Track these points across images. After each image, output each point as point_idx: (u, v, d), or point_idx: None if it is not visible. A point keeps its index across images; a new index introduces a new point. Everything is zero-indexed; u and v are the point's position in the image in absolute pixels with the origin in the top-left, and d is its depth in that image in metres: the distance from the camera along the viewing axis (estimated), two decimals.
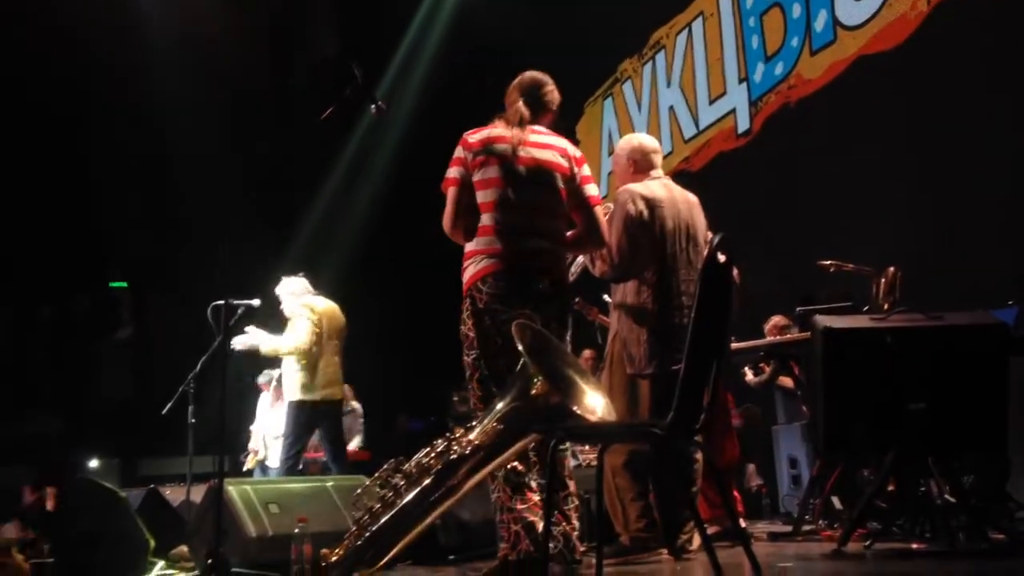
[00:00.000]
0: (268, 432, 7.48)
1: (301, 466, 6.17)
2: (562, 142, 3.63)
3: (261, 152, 9.02)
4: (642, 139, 4.25)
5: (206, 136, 8.57)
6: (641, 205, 3.91)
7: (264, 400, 7.68)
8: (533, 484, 3.33)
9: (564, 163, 3.57)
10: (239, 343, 5.88)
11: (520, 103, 3.58)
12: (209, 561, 3.41)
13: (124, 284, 10.25)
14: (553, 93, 3.67)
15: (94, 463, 8.20)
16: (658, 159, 4.17)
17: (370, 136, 9.14)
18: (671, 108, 8.56)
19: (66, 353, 9.86)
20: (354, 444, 7.89)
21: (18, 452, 8.94)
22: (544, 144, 3.57)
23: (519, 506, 3.28)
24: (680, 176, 7.78)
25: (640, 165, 4.11)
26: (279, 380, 6.94)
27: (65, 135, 9.30)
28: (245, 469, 7.46)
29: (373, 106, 4.27)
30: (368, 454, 8.05)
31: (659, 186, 4.04)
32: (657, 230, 3.91)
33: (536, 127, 3.59)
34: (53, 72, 8.77)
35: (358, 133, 9.02)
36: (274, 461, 7.02)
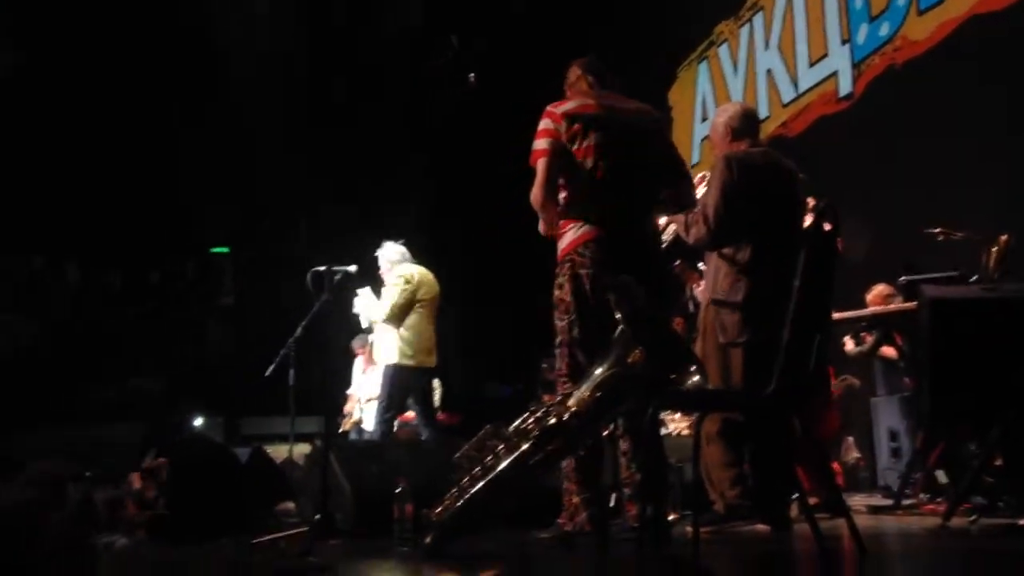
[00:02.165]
0: (363, 396, 7.68)
1: (395, 429, 6.33)
2: (647, 106, 3.67)
3: (359, 119, 9.15)
4: (741, 106, 4.21)
5: (303, 103, 8.75)
6: (739, 172, 3.86)
7: (358, 364, 7.88)
8: (597, 460, 3.39)
9: (655, 126, 3.61)
10: (357, 306, 6.06)
11: (591, 76, 3.66)
12: (317, 517, 3.54)
13: (226, 250, 10.61)
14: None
15: (199, 422, 8.57)
16: (757, 126, 4.11)
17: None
18: (769, 71, 8.35)
19: (172, 316, 10.27)
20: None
21: (125, 410, 9.41)
22: (633, 109, 3.62)
23: (580, 481, 3.35)
24: (778, 141, 7.62)
25: (738, 132, 4.05)
26: (373, 345, 7.10)
27: (168, 101, 9.60)
28: (341, 431, 7.68)
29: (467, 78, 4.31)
30: (457, 417, 8.20)
31: (758, 154, 3.98)
32: (754, 197, 3.85)
33: (616, 94, 3.65)
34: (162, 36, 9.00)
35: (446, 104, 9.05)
36: (369, 424, 7.21)
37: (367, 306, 6.13)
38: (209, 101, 9.48)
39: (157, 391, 9.59)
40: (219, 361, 9.76)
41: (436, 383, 7.26)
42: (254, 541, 3.54)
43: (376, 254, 6.22)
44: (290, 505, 4.47)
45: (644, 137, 3.60)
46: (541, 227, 3.66)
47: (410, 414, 6.72)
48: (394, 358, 6.01)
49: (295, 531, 3.60)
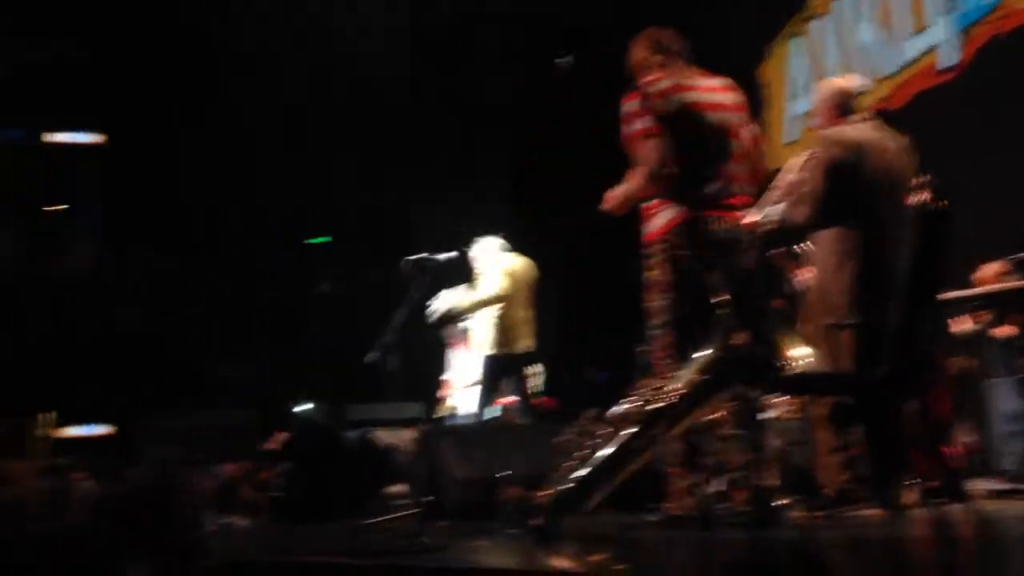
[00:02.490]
0: (459, 381, 7.79)
1: (494, 414, 6.41)
2: (729, 81, 3.65)
3: (461, 109, 9.24)
4: (844, 80, 4.11)
5: (403, 89, 8.87)
6: (843, 150, 3.79)
7: (455, 350, 8.00)
8: (704, 444, 3.38)
9: (740, 101, 3.60)
10: (436, 310, 6.15)
11: (659, 55, 3.66)
12: (425, 500, 3.63)
13: (324, 239, 10.87)
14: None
15: (308, 407, 8.83)
16: (863, 101, 4.02)
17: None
18: (866, 45, 8.10)
19: (278, 303, 10.61)
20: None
21: (234, 396, 9.77)
22: (720, 87, 3.61)
23: (687, 465, 3.35)
24: (876, 117, 7.39)
25: (843, 108, 3.96)
26: (468, 331, 7.20)
27: (268, 90, 9.86)
28: (437, 416, 7.81)
29: (563, 59, 4.33)
30: (555, 402, 8.24)
31: (865, 128, 3.89)
32: (861, 175, 3.77)
33: (696, 69, 3.63)
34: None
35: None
36: (465, 409, 7.32)
37: (452, 302, 6.20)
38: (303, 91, 9.70)
39: (263, 378, 9.92)
40: (321, 348, 10.03)
41: (538, 368, 7.35)
42: (366, 522, 3.66)
43: (472, 243, 6.31)
44: (399, 488, 4.59)
45: (734, 116, 3.59)
46: (610, 204, 3.65)
47: (507, 399, 6.80)
48: (492, 344, 6.09)
49: (405, 513, 3.71)
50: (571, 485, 3.25)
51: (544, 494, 3.28)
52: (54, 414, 9.60)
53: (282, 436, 5.74)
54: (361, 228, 10.09)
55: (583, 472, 3.22)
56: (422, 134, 8.97)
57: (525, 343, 6.18)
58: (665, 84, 3.54)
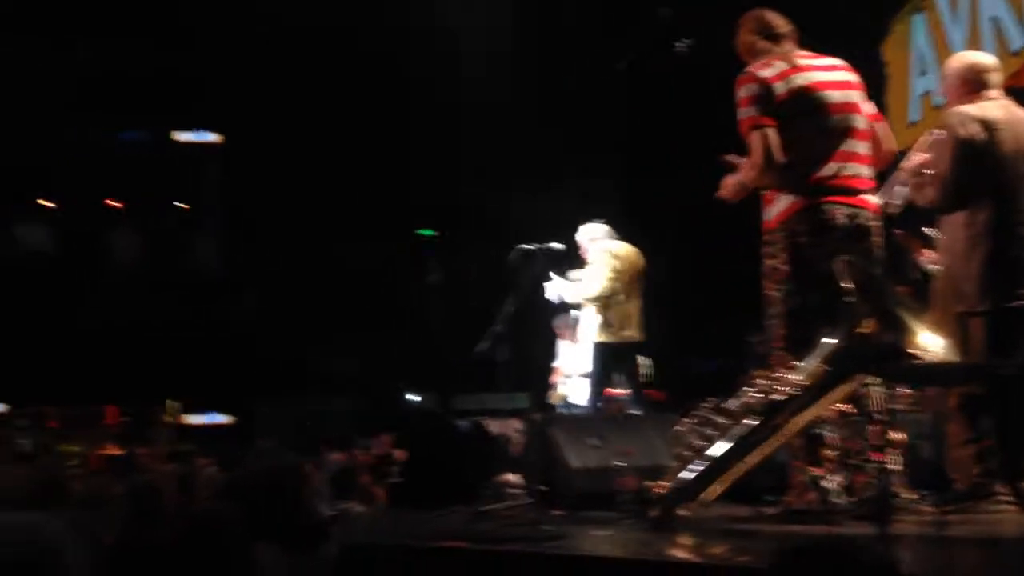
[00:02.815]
0: (569, 371, 7.79)
1: (604, 404, 6.39)
2: (842, 62, 3.54)
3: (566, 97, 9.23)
4: (975, 56, 3.93)
5: (509, 81, 8.91)
6: (975, 128, 3.61)
7: (564, 339, 7.99)
8: (826, 436, 3.28)
9: (856, 80, 3.49)
10: (551, 293, 6.15)
11: (763, 40, 3.56)
12: (541, 489, 3.65)
13: (433, 232, 11.05)
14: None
15: (416, 397, 9.01)
16: (995, 78, 3.81)
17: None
18: (994, 19, 7.69)
19: (387, 295, 10.85)
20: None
21: (347, 385, 10.04)
22: (834, 66, 3.51)
23: (808, 458, 3.26)
24: (1009, 94, 7.02)
25: (973, 85, 3.77)
26: (577, 321, 7.18)
27: (378, 85, 10.05)
28: (548, 406, 7.82)
29: (683, 44, 4.27)
30: (664, 393, 8.15)
31: (996, 107, 3.69)
32: (994, 155, 3.59)
33: (807, 51, 3.53)
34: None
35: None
36: (576, 399, 7.32)
37: (562, 288, 6.19)
38: (419, 85, 9.82)
39: (373, 368, 10.15)
40: (431, 339, 10.19)
41: (646, 361, 7.31)
42: (482, 509, 3.70)
43: (576, 236, 6.29)
44: (511, 477, 4.62)
45: (853, 97, 3.48)
46: (725, 192, 3.59)
47: (618, 389, 6.76)
48: (601, 334, 6.06)
49: (520, 501, 3.73)
50: (689, 476, 3.21)
51: (661, 485, 3.25)
52: (178, 403, 10.09)
53: (387, 438, 5.89)
54: (469, 219, 10.21)
55: (701, 463, 3.17)
56: (527, 121, 8.98)
57: (634, 332, 6.13)
58: (771, 71, 3.45)
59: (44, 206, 11.56)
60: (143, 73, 10.36)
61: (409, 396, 9.21)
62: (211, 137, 11.36)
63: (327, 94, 10.27)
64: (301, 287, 10.98)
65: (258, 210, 11.26)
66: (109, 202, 11.63)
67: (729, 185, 3.62)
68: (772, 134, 3.40)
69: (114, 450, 8.88)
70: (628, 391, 6.37)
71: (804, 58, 3.52)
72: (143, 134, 11.25)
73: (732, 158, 3.56)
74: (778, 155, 3.39)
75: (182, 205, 11.89)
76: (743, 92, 3.47)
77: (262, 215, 11.19)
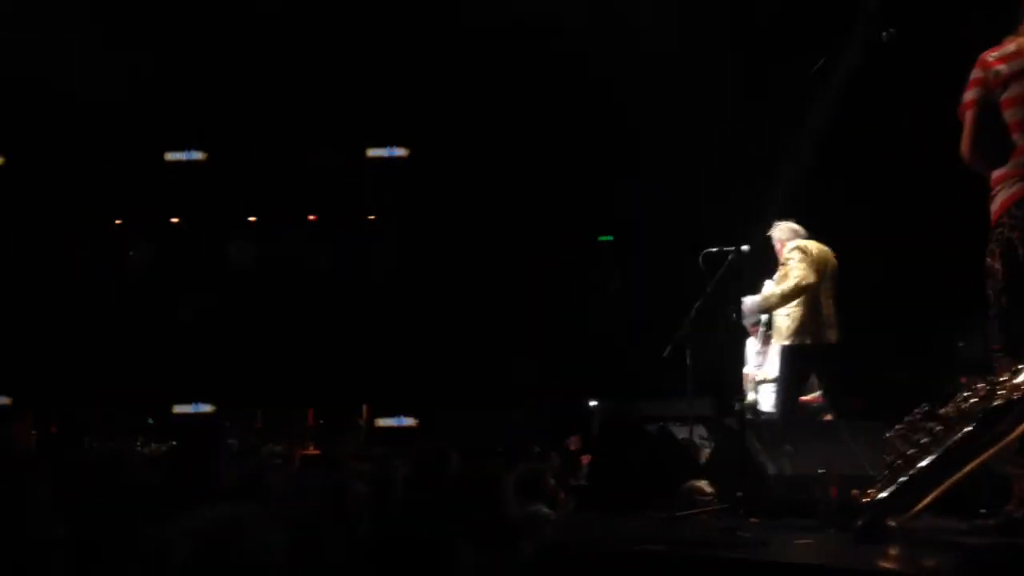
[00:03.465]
0: (757, 375, 7.55)
1: (797, 410, 6.14)
2: None
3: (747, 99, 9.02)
4: None
5: (691, 82, 8.80)
6: None
7: (752, 344, 7.75)
8: None
9: None
10: (748, 306, 5.98)
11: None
12: (738, 495, 3.55)
13: (610, 238, 11.04)
14: None
15: (601, 402, 9.01)
16: None
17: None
18: None
19: (562, 301, 10.93)
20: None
21: (530, 387, 10.18)
22: None
23: None
24: None
25: None
26: (767, 324, 6.96)
27: (555, 91, 10.16)
28: (739, 411, 7.59)
29: (887, 34, 4.07)
30: (861, 400, 7.78)
31: None
32: None
33: None
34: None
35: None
36: (765, 405, 7.08)
37: (756, 299, 6.02)
38: (599, 89, 9.85)
39: (555, 373, 10.24)
40: (611, 344, 10.18)
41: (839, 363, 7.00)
42: (676, 514, 3.64)
43: (768, 234, 6.10)
44: (701, 483, 4.52)
45: None
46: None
47: (812, 395, 6.50)
48: (792, 337, 5.84)
49: (715, 507, 3.64)
50: (899, 485, 3.03)
51: (868, 493, 3.08)
52: (366, 407, 10.57)
53: (576, 438, 5.90)
54: (654, 221, 10.13)
55: (913, 471, 2.99)
56: (715, 118, 8.83)
57: (829, 334, 5.86)
58: (997, 52, 3.29)
59: (251, 223, 12.41)
60: (336, 92, 10.92)
61: (591, 402, 9.23)
62: (399, 152, 11.82)
63: (506, 104, 10.47)
64: (483, 295, 11.24)
65: (441, 219, 11.63)
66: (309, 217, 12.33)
67: None
68: (975, 118, 3.26)
69: (313, 450, 9.38)
70: (822, 396, 6.11)
71: None
72: (333, 150, 11.84)
73: None
74: (978, 141, 3.24)
75: (370, 217, 12.45)
76: (972, 73, 3.34)
77: (445, 224, 11.55)
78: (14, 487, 2.65)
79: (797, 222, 6.08)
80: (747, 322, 7.81)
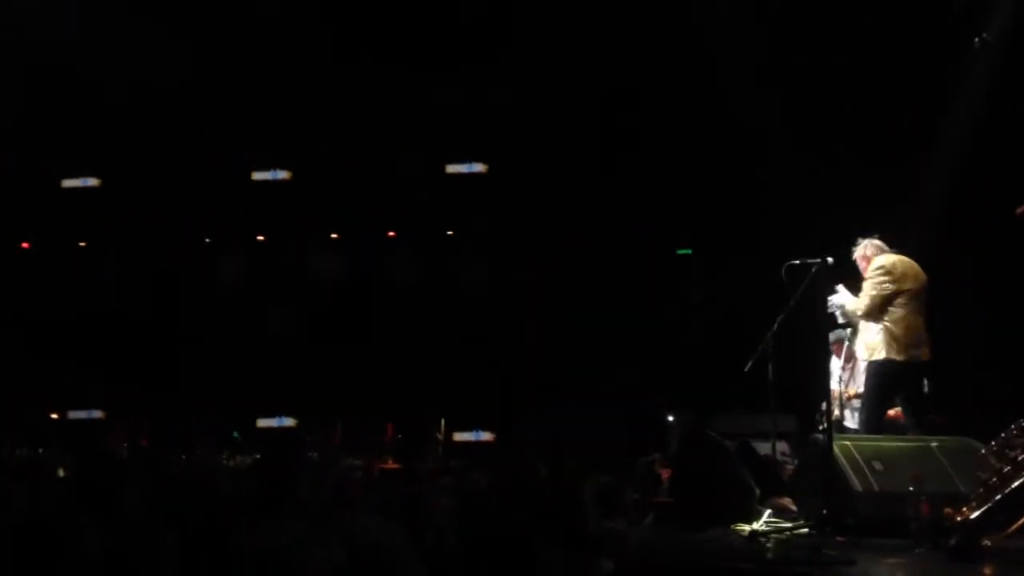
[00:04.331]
0: (843, 392, 7.39)
1: (884, 428, 5.99)
2: None
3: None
4: None
5: (777, 94, 8.71)
6: None
7: (836, 360, 7.60)
8: None
9: None
10: (834, 302, 5.90)
11: None
12: (824, 512, 3.49)
13: (689, 251, 10.94)
14: None
15: (680, 416, 8.91)
16: None
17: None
18: None
19: (645, 312, 10.87)
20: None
21: (604, 404, 10.12)
22: None
23: None
24: None
25: None
26: (849, 339, 6.82)
27: (633, 105, 10.14)
28: (821, 428, 7.44)
29: (982, 39, 3.97)
30: (945, 418, 7.53)
31: None
32: None
33: None
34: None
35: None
36: (850, 422, 6.93)
37: (844, 302, 5.93)
38: (678, 103, 9.81)
39: (636, 386, 10.17)
40: (691, 357, 10.08)
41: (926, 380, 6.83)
42: (760, 531, 3.59)
43: (854, 246, 5.99)
44: (783, 500, 4.46)
45: None
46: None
47: (896, 411, 6.34)
48: (879, 353, 5.71)
49: (800, 524, 3.58)
50: (994, 503, 2.95)
51: (962, 512, 3.01)
52: (443, 420, 10.63)
53: (655, 457, 5.81)
54: (733, 234, 10.02)
55: (1011, 489, 2.91)
56: (801, 133, 8.71)
57: (916, 351, 5.71)
58: None
59: (334, 238, 12.68)
60: (415, 109, 11.09)
61: (670, 416, 9.13)
62: (478, 168, 11.94)
63: (578, 119, 10.51)
64: (560, 308, 11.24)
65: (518, 234, 11.68)
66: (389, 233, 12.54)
67: None
68: None
69: (392, 464, 9.47)
70: (909, 414, 5.94)
71: None
72: (417, 165, 12.01)
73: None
74: None
75: (449, 232, 12.58)
76: None
77: (524, 238, 11.60)
78: (119, 495, 2.77)
79: (880, 237, 5.96)
80: (831, 337, 7.69)
